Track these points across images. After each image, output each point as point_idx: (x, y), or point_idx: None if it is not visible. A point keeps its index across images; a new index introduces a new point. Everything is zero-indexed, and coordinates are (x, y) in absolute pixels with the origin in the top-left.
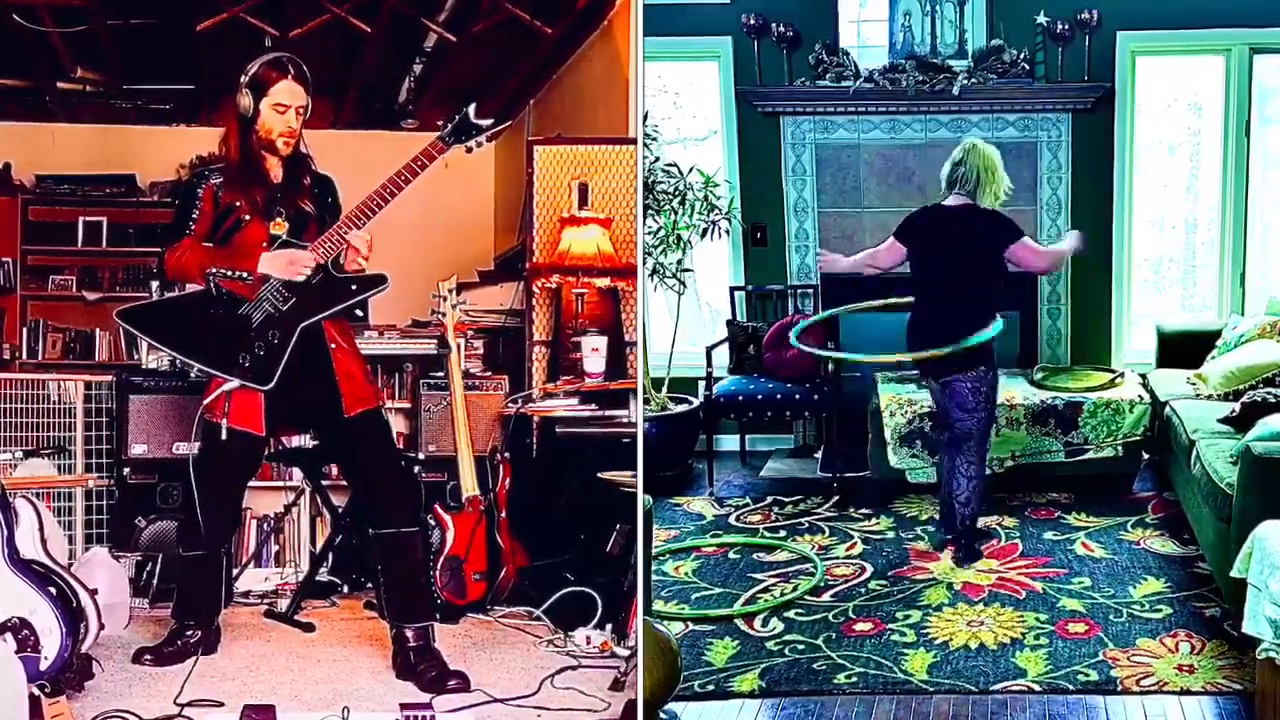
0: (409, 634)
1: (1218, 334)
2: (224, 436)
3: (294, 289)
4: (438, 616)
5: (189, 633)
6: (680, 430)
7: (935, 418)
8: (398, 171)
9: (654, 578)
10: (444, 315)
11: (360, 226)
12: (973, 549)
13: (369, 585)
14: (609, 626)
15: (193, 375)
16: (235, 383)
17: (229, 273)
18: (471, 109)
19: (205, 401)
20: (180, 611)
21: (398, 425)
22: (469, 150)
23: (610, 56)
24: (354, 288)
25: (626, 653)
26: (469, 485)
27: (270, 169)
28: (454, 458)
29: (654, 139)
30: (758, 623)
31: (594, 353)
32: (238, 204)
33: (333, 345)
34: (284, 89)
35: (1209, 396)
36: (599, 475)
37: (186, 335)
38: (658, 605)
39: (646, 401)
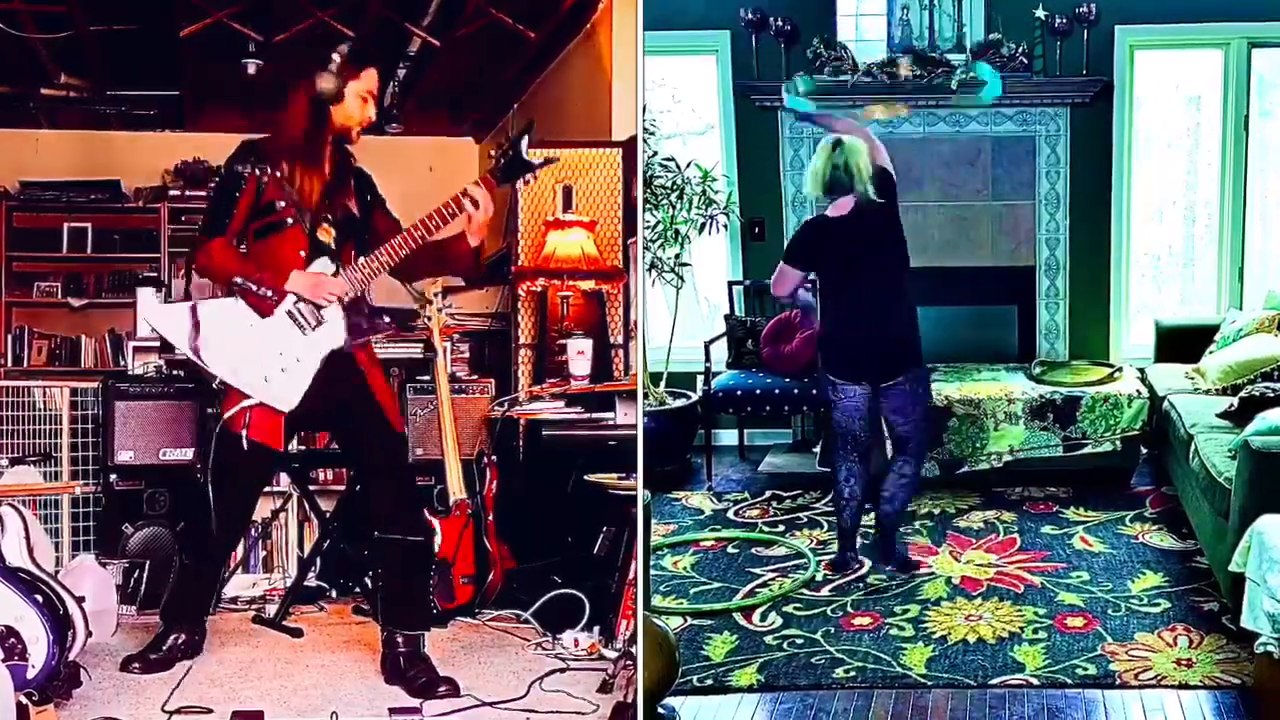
0: (399, 639)
1: (1216, 328)
2: (245, 448)
3: (326, 313)
4: (431, 627)
5: (174, 635)
6: (678, 425)
7: (850, 426)
8: (445, 203)
9: (652, 572)
10: (430, 319)
11: (397, 260)
12: (894, 550)
13: (357, 590)
14: (597, 628)
15: (214, 385)
16: (256, 400)
17: (254, 288)
18: (524, 143)
19: (226, 415)
20: (170, 613)
21: None
22: (517, 187)
23: (593, 60)
24: (385, 319)
25: (615, 654)
26: (456, 489)
27: (325, 164)
28: (441, 461)
29: (652, 133)
30: (756, 617)
31: (579, 355)
32: (280, 204)
33: (366, 371)
34: (371, 76)
35: (1207, 391)
36: (586, 477)
37: (214, 344)
38: (656, 600)
39: (645, 396)
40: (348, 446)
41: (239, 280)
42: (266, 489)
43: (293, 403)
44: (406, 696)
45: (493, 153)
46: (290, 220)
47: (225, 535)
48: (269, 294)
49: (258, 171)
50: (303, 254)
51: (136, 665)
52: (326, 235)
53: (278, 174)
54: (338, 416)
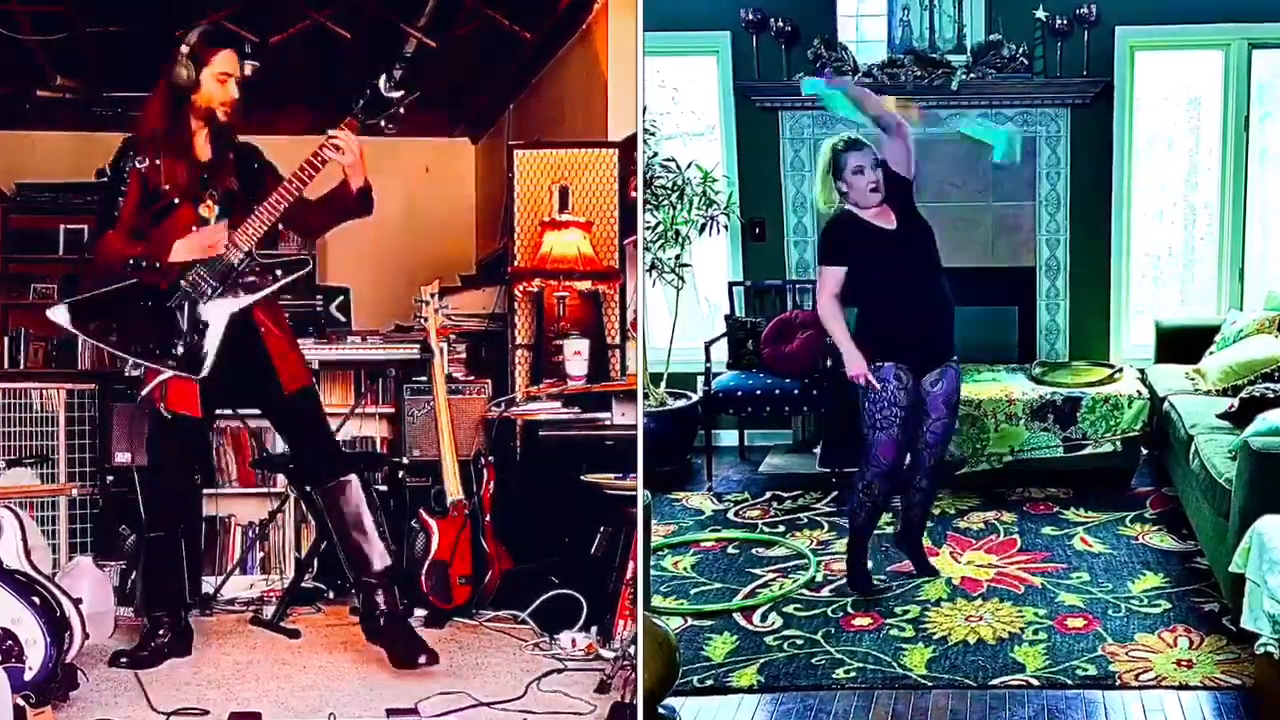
0: (378, 599)
1: (1216, 329)
2: (165, 419)
3: (220, 277)
4: (393, 565)
5: (161, 630)
6: (678, 425)
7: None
8: (313, 153)
9: (652, 573)
10: (426, 320)
11: (278, 213)
12: (857, 580)
13: (355, 591)
14: (594, 629)
15: (127, 369)
16: (169, 373)
17: (145, 264)
18: (381, 81)
19: (143, 392)
20: (148, 602)
21: (381, 430)
22: (383, 126)
23: (589, 61)
24: (278, 272)
25: (612, 655)
26: (453, 489)
27: (198, 145)
28: (438, 462)
29: (652, 134)
30: (756, 618)
31: (576, 355)
32: (166, 187)
33: (262, 329)
34: (225, 58)
35: (1207, 392)
36: (583, 478)
37: (119, 329)
38: (656, 600)
39: (645, 397)
40: (258, 407)
41: (131, 261)
42: (263, 490)
43: (203, 369)
44: (404, 695)
45: (353, 99)
46: (177, 200)
47: (170, 505)
48: (158, 266)
49: (138, 164)
50: (194, 229)
51: (124, 660)
52: (209, 211)
53: (156, 162)
54: (240, 379)
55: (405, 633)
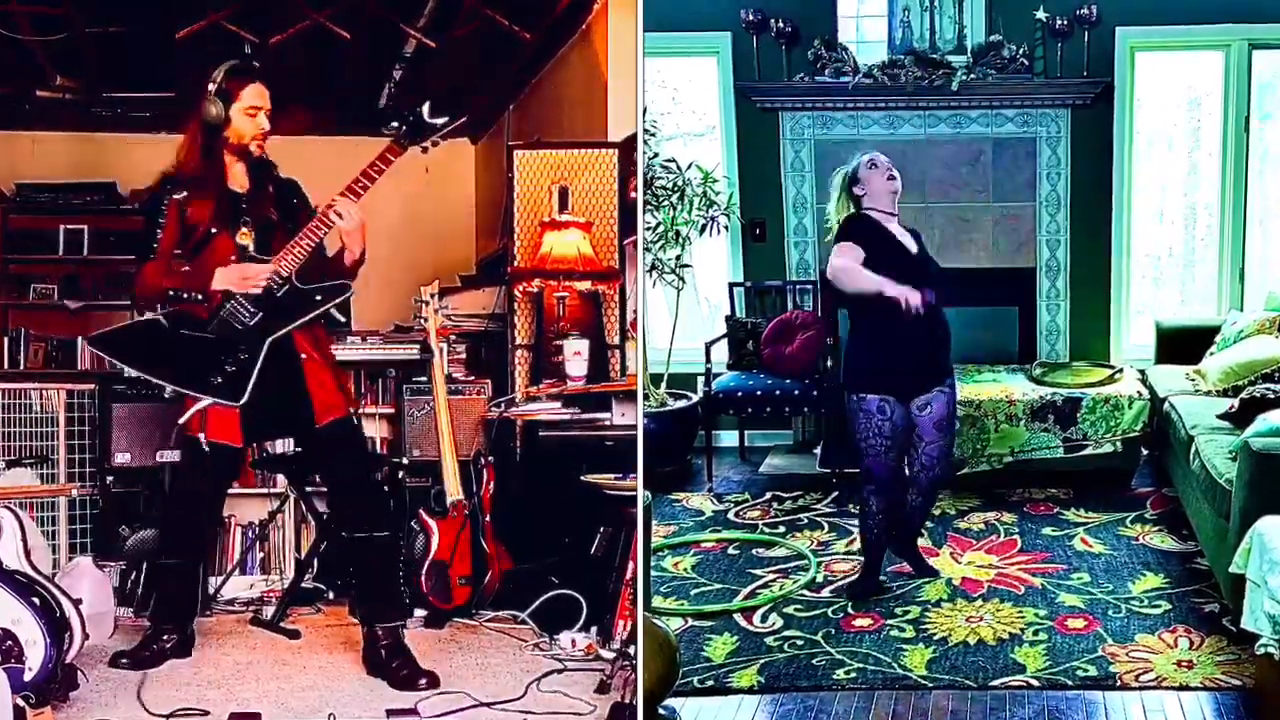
0: (379, 633)
1: (1216, 329)
2: (205, 449)
3: (260, 304)
4: (406, 618)
5: (165, 637)
6: (679, 426)
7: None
8: (354, 179)
9: (652, 573)
10: (426, 320)
11: (319, 238)
12: (866, 585)
13: (359, 623)
14: (594, 629)
15: (166, 395)
16: (208, 400)
17: (184, 294)
18: (425, 108)
19: (181, 420)
20: (158, 615)
21: (381, 431)
22: (424, 150)
23: (589, 61)
24: (319, 298)
25: (612, 655)
26: (453, 490)
27: (235, 177)
28: (438, 462)
29: (653, 135)
30: (757, 618)
31: (576, 356)
32: (204, 218)
33: (303, 355)
34: (253, 92)
35: (1208, 392)
36: (583, 478)
37: (158, 356)
38: (656, 601)
39: (646, 397)
40: (297, 442)
41: (172, 292)
42: (263, 491)
43: (241, 397)
44: (404, 696)
45: (395, 124)
46: (214, 230)
47: (194, 535)
48: (200, 298)
49: (177, 196)
50: (233, 259)
51: (125, 661)
52: (246, 239)
53: (194, 195)
54: (278, 404)
55: (407, 663)
